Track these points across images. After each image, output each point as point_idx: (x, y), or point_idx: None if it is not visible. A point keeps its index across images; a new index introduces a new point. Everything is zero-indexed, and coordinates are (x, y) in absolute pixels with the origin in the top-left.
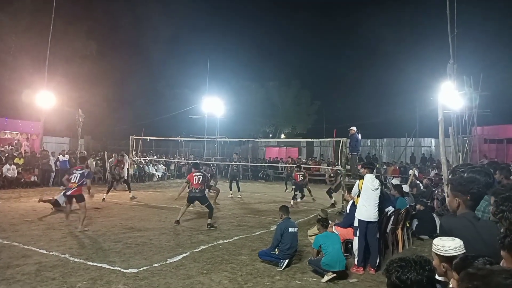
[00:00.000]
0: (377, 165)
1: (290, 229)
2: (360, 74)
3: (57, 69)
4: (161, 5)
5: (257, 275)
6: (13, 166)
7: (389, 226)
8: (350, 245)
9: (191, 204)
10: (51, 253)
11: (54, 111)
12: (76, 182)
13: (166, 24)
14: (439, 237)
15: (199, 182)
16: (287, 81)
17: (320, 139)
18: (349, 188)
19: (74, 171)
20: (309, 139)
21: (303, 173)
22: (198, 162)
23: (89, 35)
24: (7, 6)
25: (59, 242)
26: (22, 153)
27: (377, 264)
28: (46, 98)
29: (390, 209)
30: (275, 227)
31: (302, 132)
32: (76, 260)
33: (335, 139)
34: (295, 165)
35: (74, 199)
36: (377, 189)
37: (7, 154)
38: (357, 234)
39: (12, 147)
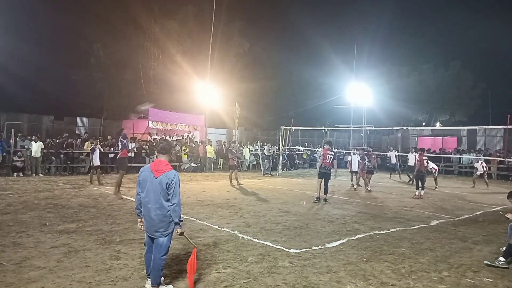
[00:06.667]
0: None
1: None
2: None
3: (216, 67)
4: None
5: (421, 269)
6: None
7: None
8: None
9: (321, 180)
10: (222, 229)
11: (214, 105)
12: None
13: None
14: None
15: (330, 161)
16: (444, 63)
17: (486, 127)
18: None
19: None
20: (472, 127)
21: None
22: (330, 140)
23: (242, 34)
24: (174, 15)
25: (228, 220)
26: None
27: None
28: (209, 94)
29: None
30: (437, 222)
31: (463, 120)
32: (244, 236)
33: (509, 126)
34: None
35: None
36: None
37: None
38: None
39: (184, 137)
